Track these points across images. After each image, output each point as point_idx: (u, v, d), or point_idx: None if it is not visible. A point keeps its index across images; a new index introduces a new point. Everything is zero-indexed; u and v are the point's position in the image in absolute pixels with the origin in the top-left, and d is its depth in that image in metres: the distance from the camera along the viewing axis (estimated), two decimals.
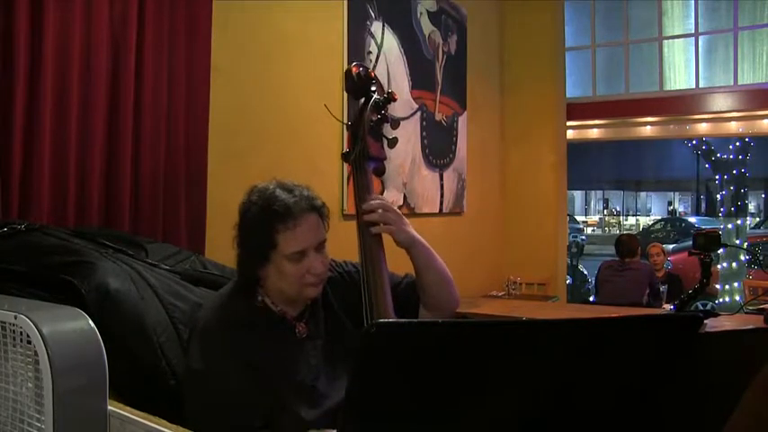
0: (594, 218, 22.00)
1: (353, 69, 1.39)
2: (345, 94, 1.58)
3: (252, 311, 1.29)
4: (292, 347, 1.28)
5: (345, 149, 1.40)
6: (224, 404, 1.17)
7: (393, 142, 1.39)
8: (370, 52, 3.37)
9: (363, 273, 1.30)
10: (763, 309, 2.81)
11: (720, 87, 5.69)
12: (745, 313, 3.15)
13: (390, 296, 1.29)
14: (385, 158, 1.41)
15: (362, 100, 1.38)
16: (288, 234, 1.23)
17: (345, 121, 1.40)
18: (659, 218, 18.72)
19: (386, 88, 1.42)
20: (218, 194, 2.27)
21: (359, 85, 1.39)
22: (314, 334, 1.32)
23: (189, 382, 1.23)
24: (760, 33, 5.74)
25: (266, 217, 1.24)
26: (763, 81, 5.58)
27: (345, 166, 2.47)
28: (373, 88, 1.39)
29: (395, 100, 1.40)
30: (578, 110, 5.76)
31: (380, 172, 1.41)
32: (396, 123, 1.38)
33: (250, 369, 1.20)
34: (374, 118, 1.36)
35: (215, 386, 1.19)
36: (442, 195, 4.16)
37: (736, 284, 8.00)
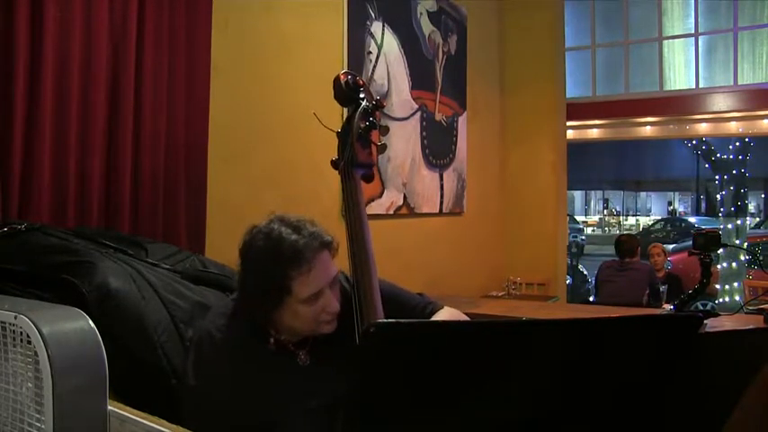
0: (594, 218, 21.99)
1: (341, 77, 1.39)
2: None
3: (250, 339, 1.25)
4: (293, 376, 1.25)
5: (334, 157, 1.39)
6: (216, 423, 1.15)
7: (382, 149, 1.39)
8: (371, 52, 3.37)
9: (353, 278, 1.29)
10: (763, 309, 2.81)
11: (720, 87, 5.70)
12: (745, 313, 3.14)
13: (380, 301, 1.27)
14: (374, 165, 1.40)
15: (351, 107, 1.39)
16: (302, 279, 1.17)
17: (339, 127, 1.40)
18: (659, 218, 18.73)
19: (375, 95, 1.42)
20: (218, 194, 2.28)
21: (347, 92, 1.39)
22: (318, 360, 1.28)
23: (184, 398, 1.22)
24: (760, 33, 5.75)
25: (277, 263, 1.17)
26: (763, 81, 5.59)
27: None
28: (362, 95, 1.38)
29: (383, 107, 1.40)
30: (578, 110, 5.76)
31: (369, 179, 1.40)
32: (384, 130, 1.38)
33: (242, 395, 1.17)
34: (363, 125, 1.36)
35: (208, 405, 1.17)
36: (441, 195, 4.16)
37: (736, 284, 8.00)
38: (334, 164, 1.39)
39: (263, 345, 1.25)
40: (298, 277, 1.18)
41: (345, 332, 1.27)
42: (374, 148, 1.39)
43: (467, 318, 1.47)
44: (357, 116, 1.35)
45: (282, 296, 1.19)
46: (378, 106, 1.38)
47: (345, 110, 1.44)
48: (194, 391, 1.19)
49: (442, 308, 1.45)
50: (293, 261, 1.17)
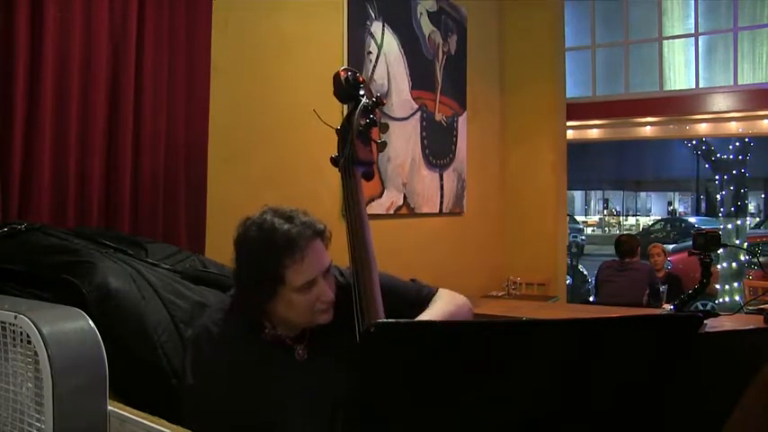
0: (594, 218, 21.99)
1: (341, 74, 1.38)
2: None
3: (247, 333, 1.25)
4: (291, 371, 1.25)
5: (334, 154, 1.39)
6: (213, 422, 1.15)
7: (382, 146, 1.39)
8: (370, 52, 3.37)
9: (354, 276, 1.28)
10: (763, 309, 2.81)
11: (720, 87, 5.69)
12: (745, 313, 3.15)
13: (381, 298, 1.27)
14: (374, 162, 1.40)
15: (351, 104, 1.38)
16: (296, 267, 1.18)
17: (339, 124, 1.40)
18: (659, 218, 18.72)
19: (375, 92, 1.42)
20: (218, 194, 2.28)
21: (347, 89, 1.38)
22: (316, 355, 1.28)
23: (183, 395, 1.22)
24: (760, 33, 5.75)
25: (271, 253, 1.18)
26: (763, 81, 5.59)
27: None
28: (362, 92, 1.38)
29: (383, 104, 1.39)
30: (578, 110, 5.76)
31: (369, 176, 1.40)
32: (384, 127, 1.38)
33: (240, 390, 1.17)
34: (363, 122, 1.35)
35: (207, 401, 1.17)
36: (441, 195, 4.16)
37: (736, 284, 8.00)
38: (334, 161, 1.38)
39: (261, 339, 1.25)
40: (291, 265, 1.18)
41: (342, 328, 1.27)
42: (374, 146, 1.39)
43: (463, 298, 1.46)
44: (357, 113, 1.34)
45: (276, 285, 1.19)
46: (378, 103, 1.38)
47: (345, 109, 1.44)
48: (193, 387, 1.19)
49: (438, 291, 1.44)
50: (286, 249, 1.18)
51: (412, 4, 3.81)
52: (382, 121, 1.39)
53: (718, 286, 7.61)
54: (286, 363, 1.26)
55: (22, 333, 0.92)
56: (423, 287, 1.45)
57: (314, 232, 1.22)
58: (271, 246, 1.18)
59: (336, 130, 1.39)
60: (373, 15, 3.39)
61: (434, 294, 1.43)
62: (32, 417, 0.92)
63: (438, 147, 4.09)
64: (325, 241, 1.26)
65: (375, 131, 1.39)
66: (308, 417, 1.20)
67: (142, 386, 1.26)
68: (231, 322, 1.25)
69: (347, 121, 1.36)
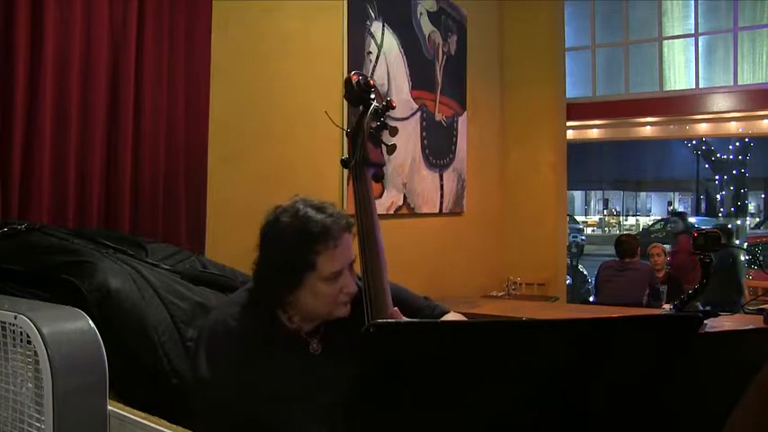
0: (594, 218, 22.00)
1: (353, 78, 1.41)
2: None
3: (265, 327, 1.26)
4: (305, 364, 1.26)
5: (345, 156, 1.41)
6: (226, 415, 1.16)
7: (392, 149, 1.42)
8: (370, 52, 3.36)
9: (365, 276, 1.30)
10: (763, 309, 2.82)
11: (720, 87, 5.69)
12: (745, 313, 3.15)
13: (391, 302, 1.28)
14: (384, 164, 1.43)
15: (362, 107, 1.40)
16: (328, 254, 1.21)
17: (345, 124, 1.41)
18: (659, 218, 18.73)
19: (384, 96, 1.44)
20: (218, 194, 2.28)
21: (358, 93, 1.41)
22: (329, 349, 1.29)
23: (194, 389, 1.22)
24: (760, 33, 5.74)
25: (305, 239, 1.20)
26: (763, 81, 5.58)
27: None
28: (372, 96, 1.41)
29: (393, 107, 1.42)
30: (578, 110, 5.76)
31: (379, 177, 1.43)
32: (394, 131, 1.40)
33: (256, 383, 1.18)
34: (374, 125, 1.38)
35: (219, 396, 1.17)
36: (441, 195, 4.16)
37: None
38: (345, 162, 1.40)
39: (277, 332, 1.26)
40: (324, 252, 1.21)
41: (355, 329, 1.27)
42: (384, 148, 1.41)
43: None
44: (368, 116, 1.37)
45: (306, 273, 1.21)
46: (388, 107, 1.40)
47: (346, 110, 1.45)
48: (209, 379, 1.19)
49: (448, 312, 1.47)
50: (320, 236, 1.21)
51: (412, 4, 3.81)
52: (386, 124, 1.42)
53: None
54: (301, 355, 1.27)
55: (22, 333, 0.92)
56: (435, 305, 1.48)
57: (346, 223, 1.26)
58: (305, 232, 1.21)
59: (347, 132, 1.41)
60: (373, 15, 3.39)
61: (444, 314, 1.46)
62: (32, 417, 0.92)
63: (438, 147, 4.09)
64: (351, 235, 1.28)
65: (384, 134, 1.41)
66: (318, 409, 1.21)
67: (142, 386, 1.26)
68: (248, 316, 1.26)
69: (358, 123, 1.38)
